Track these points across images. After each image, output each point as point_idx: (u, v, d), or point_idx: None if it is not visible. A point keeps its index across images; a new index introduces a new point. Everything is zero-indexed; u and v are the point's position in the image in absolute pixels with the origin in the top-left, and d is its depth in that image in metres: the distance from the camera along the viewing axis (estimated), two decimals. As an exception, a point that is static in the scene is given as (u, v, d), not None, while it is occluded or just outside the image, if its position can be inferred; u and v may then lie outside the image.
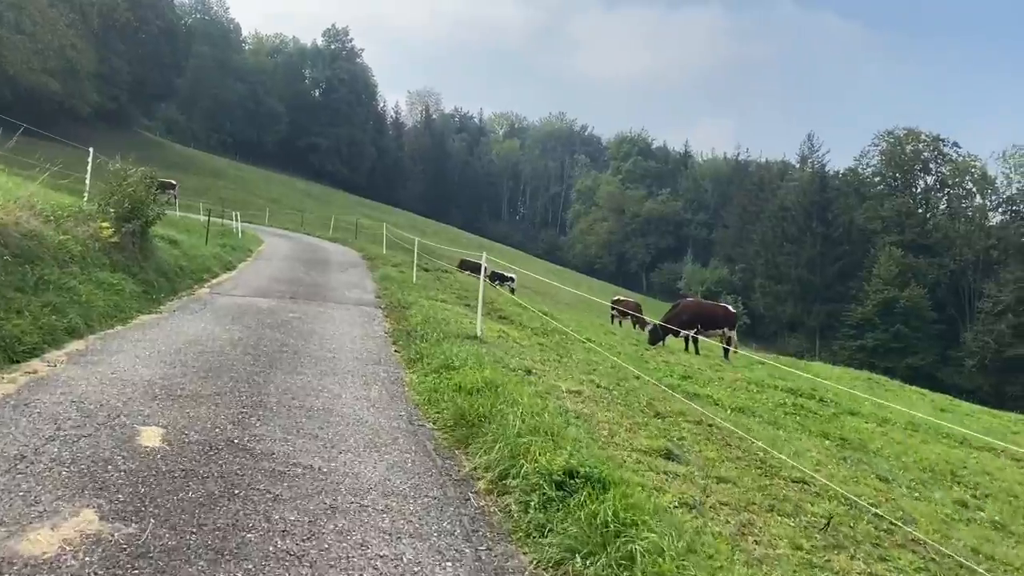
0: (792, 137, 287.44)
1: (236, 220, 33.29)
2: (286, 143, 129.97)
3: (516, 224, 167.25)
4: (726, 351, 25.83)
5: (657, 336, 24.98)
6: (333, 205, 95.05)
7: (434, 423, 7.03)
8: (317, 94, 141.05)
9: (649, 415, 8.53)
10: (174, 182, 58.60)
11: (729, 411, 11.55)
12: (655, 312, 41.61)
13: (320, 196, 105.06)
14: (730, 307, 26.63)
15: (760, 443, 8.11)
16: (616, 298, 43.59)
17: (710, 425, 8.65)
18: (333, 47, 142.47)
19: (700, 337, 24.38)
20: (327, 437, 6.23)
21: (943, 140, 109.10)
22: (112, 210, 12.81)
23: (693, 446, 7.40)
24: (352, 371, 8.94)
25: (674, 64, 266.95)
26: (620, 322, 41.22)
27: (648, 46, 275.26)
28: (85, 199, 14.82)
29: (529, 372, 9.20)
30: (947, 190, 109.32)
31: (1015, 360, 79.42)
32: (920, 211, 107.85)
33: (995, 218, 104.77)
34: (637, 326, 39.72)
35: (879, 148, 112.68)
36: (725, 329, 25.86)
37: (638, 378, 11.89)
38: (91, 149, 15.92)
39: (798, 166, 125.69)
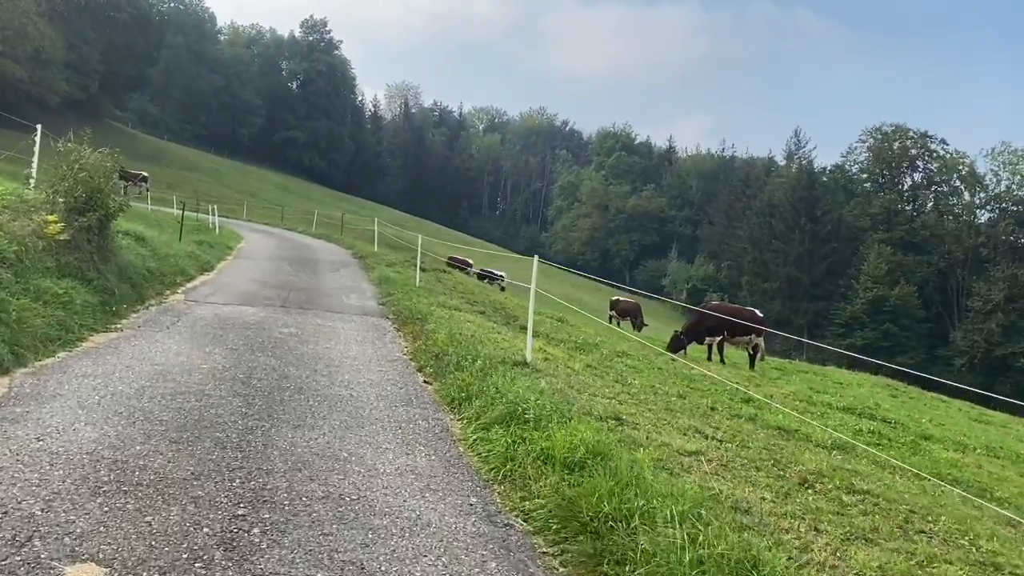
0: (769, 134, 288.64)
1: (213, 214, 30.65)
2: (262, 136, 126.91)
3: (497, 220, 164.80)
4: (752, 359, 23.67)
5: (680, 344, 22.69)
6: (311, 200, 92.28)
7: (529, 521, 4.62)
8: (294, 87, 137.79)
9: (794, 483, 6.23)
10: (146, 174, 55.76)
11: (831, 450, 9.31)
12: (651, 311, 40.06)
13: (297, 190, 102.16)
14: (758, 312, 24.37)
15: (944, 521, 5.88)
16: (615, 299, 41.37)
17: (865, 493, 6.37)
18: (311, 39, 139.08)
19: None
20: (377, 567, 3.81)
21: (931, 137, 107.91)
22: (62, 200, 10.30)
23: (889, 539, 5.11)
24: (381, 419, 6.55)
25: (651, 61, 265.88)
26: (619, 323, 39.08)
27: (625, 42, 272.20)
28: (31, 186, 12.22)
29: (619, 421, 6.84)
30: (934, 187, 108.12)
31: (1004, 359, 78.42)
32: (908, 208, 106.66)
33: (984, 216, 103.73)
34: (637, 329, 37.66)
35: (866, 144, 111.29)
36: (752, 336, 23.63)
37: (714, 408, 9.61)
38: (39, 126, 13.27)
39: (784, 162, 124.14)
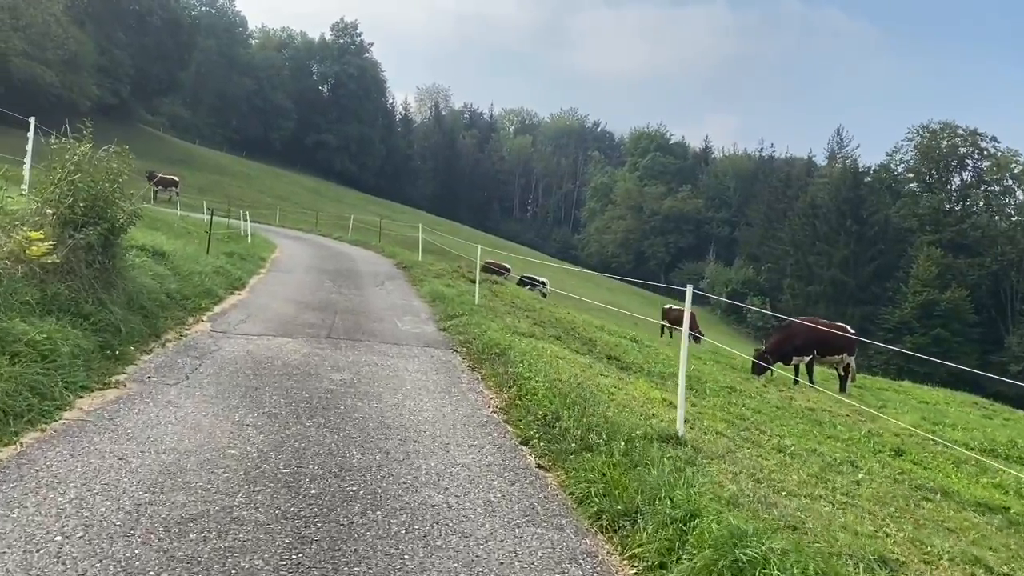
0: (799, 134, 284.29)
1: (244, 220, 28.53)
2: (294, 140, 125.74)
3: (528, 222, 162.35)
4: (843, 381, 21.07)
5: (765, 365, 20.14)
6: (343, 203, 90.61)
7: None
8: (325, 90, 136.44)
9: None
10: (176, 179, 54.20)
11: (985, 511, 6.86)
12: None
13: (329, 194, 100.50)
14: (848, 327, 21.74)
15: None
16: (668, 306, 38.81)
17: None
18: (342, 41, 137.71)
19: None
20: None
21: (981, 134, 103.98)
22: (51, 211, 8.05)
23: None
24: (505, 560, 4.16)
25: (677, 61, 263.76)
26: (671, 332, 36.53)
27: (651, 43, 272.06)
28: (23, 193, 9.97)
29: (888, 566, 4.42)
30: (984, 187, 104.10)
31: (1066, 365, 74.93)
32: (958, 209, 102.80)
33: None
34: (694, 340, 35.09)
35: (913, 143, 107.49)
36: (844, 354, 21.03)
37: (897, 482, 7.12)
38: (32, 119, 11.00)
39: (825, 162, 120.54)
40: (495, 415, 7.32)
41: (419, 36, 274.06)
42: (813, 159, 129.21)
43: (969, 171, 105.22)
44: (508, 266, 46.40)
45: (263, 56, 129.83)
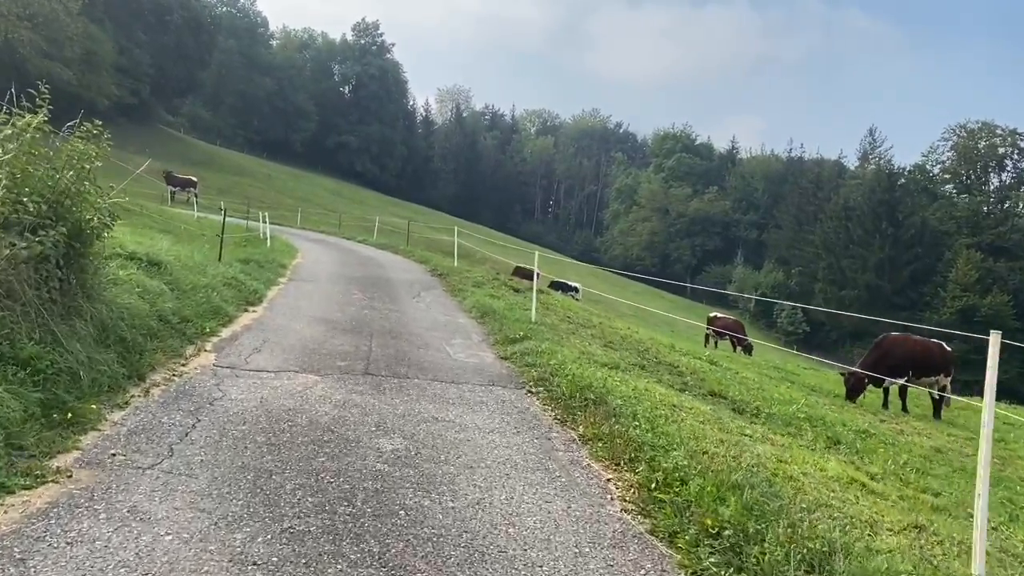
0: (824, 136, 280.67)
1: (263, 222, 26.20)
2: (315, 141, 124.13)
3: (550, 224, 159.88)
4: (938, 407, 18.39)
5: (859, 388, 17.54)
6: (365, 205, 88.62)
7: None
8: (347, 91, 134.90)
9: None
10: (194, 179, 52.13)
11: None
12: (700, 316, 34.69)
13: (351, 196, 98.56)
14: (945, 345, 19.04)
15: None
16: (713, 315, 36.32)
17: None
18: (363, 42, 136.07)
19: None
20: None
21: (1021, 134, 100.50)
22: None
23: None
24: None
25: (698, 62, 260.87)
26: (716, 343, 33.99)
27: (672, 44, 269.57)
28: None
29: None
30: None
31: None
32: (997, 211, 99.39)
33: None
34: (739, 349, 32.46)
35: (950, 143, 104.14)
36: (940, 376, 18.37)
37: None
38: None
39: (859, 163, 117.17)
40: (631, 520, 4.79)
41: (438, 38, 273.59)
42: (843, 160, 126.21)
43: (1008, 172, 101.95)
44: (539, 271, 44.03)
45: (284, 56, 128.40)
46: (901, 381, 17.52)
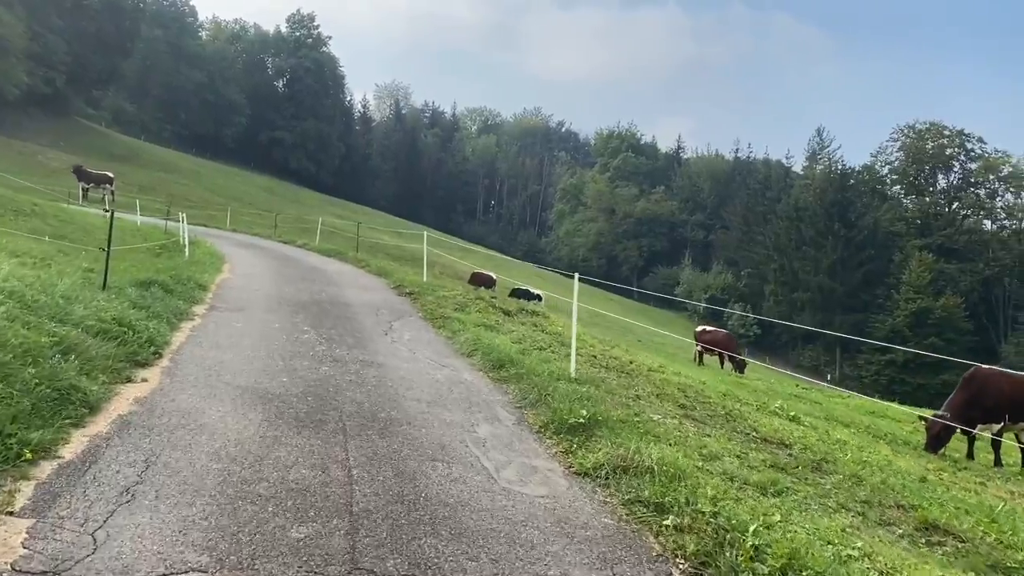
0: (757, 136, 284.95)
1: (184, 224, 21.52)
2: (247, 137, 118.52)
3: (493, 225, 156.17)
4: (1030, 456, 14.88)
5: (946, 436, 13.88)
6: (301, 204, 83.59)
7: None
8: (281, 85, 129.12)
9: None
10: (110, 175, 46.71)
11: None
12: (666, 321, 31.22)
13: (285, 194, 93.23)
14: (1031, 378, 15.51)
15: None
16: (701, 328, 32.79)
17: None
18: (298, 34, 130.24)
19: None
20: None
21: (967, 135, 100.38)
22: None
23: None
24: None
25: (630, 64, 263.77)
26: (701, 359, 30.55)
27: (606, 46, 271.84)
28: None
29: None
30: (972, 189, 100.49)
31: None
32: (946, 212, 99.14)
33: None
34: (733, 369, 29.02)
35: (899, 144, 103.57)
36: (1039, 419, 14.81)
37: None
38: None
39: (807, 163, 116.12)
40: None
41: (371, 35, 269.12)
42: (788, 160, 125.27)
43: (956, 173, 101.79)
44: (495, 276, 40.28)
45: (214, 48, 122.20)
46: (997, 427, 13.99)
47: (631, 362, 12.04)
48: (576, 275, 9.33)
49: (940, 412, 14.15)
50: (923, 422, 14.41)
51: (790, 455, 7.57)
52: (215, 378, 7.48)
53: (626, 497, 5.50)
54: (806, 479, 6.59)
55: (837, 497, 6.13)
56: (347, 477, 5.31)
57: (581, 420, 6.94)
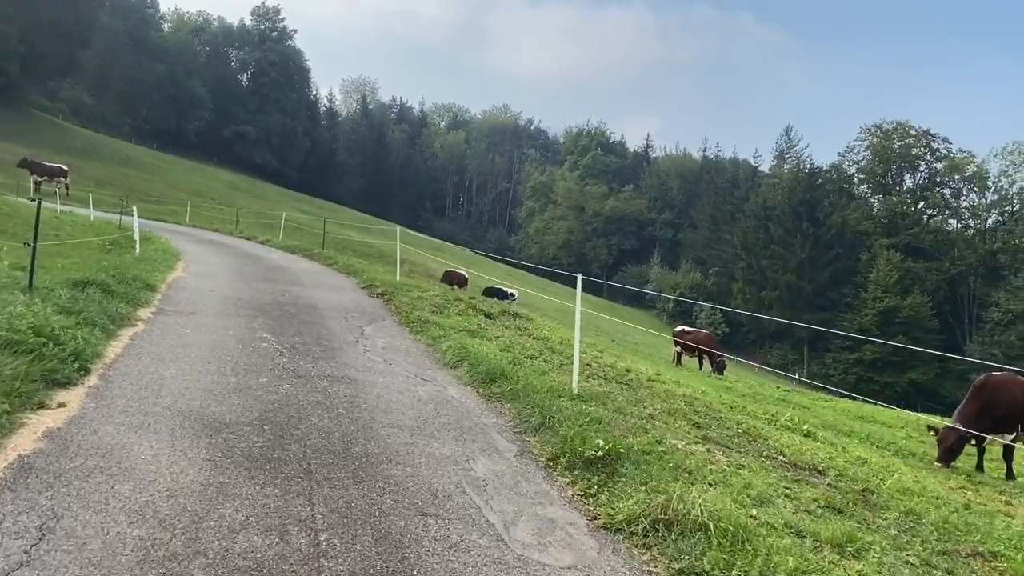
0: (721, 136, 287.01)
1: (135, 218, 19.99)
2: (210, 131, 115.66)
3: (462, 222, 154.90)
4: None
5: (959, 448, 12.93)
6: (265, 200, 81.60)
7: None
8: (245, 78, 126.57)
9: None
10: (63, 167, 44.71)
11: None
12: (635, 319, 30.29)
13: (249, 190, 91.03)
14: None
15: None
16: (681, 328, 31.90)
17: None
18: (263, 27, 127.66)
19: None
20: None
21: (933, 135, 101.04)
22: None
23: None
24: None
25: (599, 63, 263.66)
26: (679, 360, 29.67)
27: (573, 44, 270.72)
28: None
29: None
30: (938, 188, 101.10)
31: (1024, 373, 72.15)
32: (912, 211, 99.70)
33: (992, 218, 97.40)
34: (713, 369, 28.14)
35: (866, 144, 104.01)
36: (1054, 427, 13.94)
37: None
38: None
39: (774, 162, 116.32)
40: None
41: (337, 32, 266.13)
42: (752, 160, 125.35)
43: (922, 172, 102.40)
44: (467, 275, 39.18)
45: (176, 40, 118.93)
46: (1011, 436, 13.10)
47: (628, 371, 10.92)
48: (579, 275, 8.12)
49: (948, 424, 13.21)
50: (933, 433, 13.44)
51: (830, 485, 6.49)
52: (152, 401, 6.22)
53: (677, 567, 4.31)
54: (866, 521, 5.49)
55: (913, 548, 5.03)
56: (313, 546, 4.07)
57: (598, 452, 5.80)
